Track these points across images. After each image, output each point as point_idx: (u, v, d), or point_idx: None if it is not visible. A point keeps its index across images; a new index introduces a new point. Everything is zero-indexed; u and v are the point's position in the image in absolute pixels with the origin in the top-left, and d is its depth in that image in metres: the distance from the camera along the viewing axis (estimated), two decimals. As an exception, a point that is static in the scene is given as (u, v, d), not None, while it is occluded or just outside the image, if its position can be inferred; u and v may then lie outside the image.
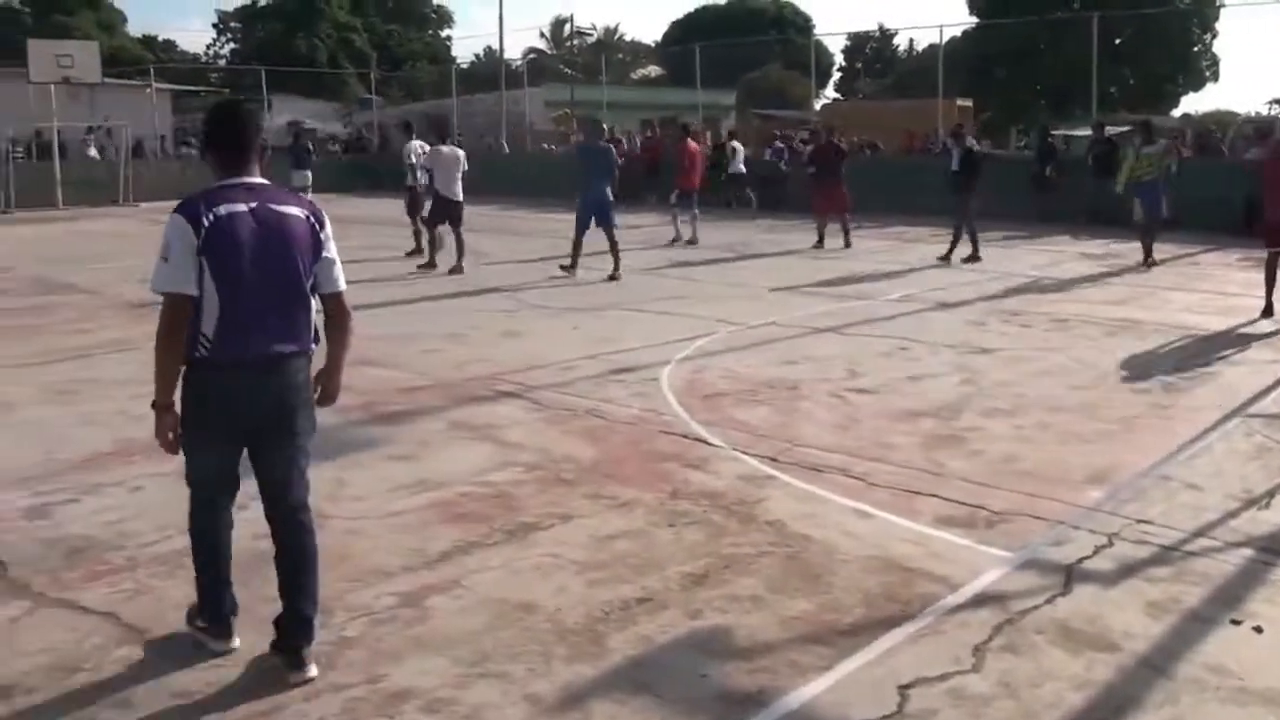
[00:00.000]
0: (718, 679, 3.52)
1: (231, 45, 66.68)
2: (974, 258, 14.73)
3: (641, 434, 6.42)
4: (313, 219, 3.58)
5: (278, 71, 40.58)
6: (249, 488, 3.70)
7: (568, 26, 70.23)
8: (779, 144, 25.73)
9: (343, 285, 3.70)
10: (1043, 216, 19.48)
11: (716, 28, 55.31)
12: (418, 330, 9.87)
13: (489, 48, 76.83)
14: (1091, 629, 3.83)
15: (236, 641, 3.73)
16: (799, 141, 25.72)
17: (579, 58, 63.20)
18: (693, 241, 17.36)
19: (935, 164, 18.89)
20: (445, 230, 14.43)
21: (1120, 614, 3.95)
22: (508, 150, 33.85)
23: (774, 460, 5.84)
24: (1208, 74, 46.00)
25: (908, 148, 26.76)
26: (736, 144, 23.14)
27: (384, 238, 17.32)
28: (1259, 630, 3.83)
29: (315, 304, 3.63)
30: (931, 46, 45.29)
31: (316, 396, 3.73)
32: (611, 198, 13.61)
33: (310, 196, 17.77)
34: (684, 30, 59.56)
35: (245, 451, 3.62)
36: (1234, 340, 9.25)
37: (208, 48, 68.57)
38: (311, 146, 26.38)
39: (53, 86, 26.39)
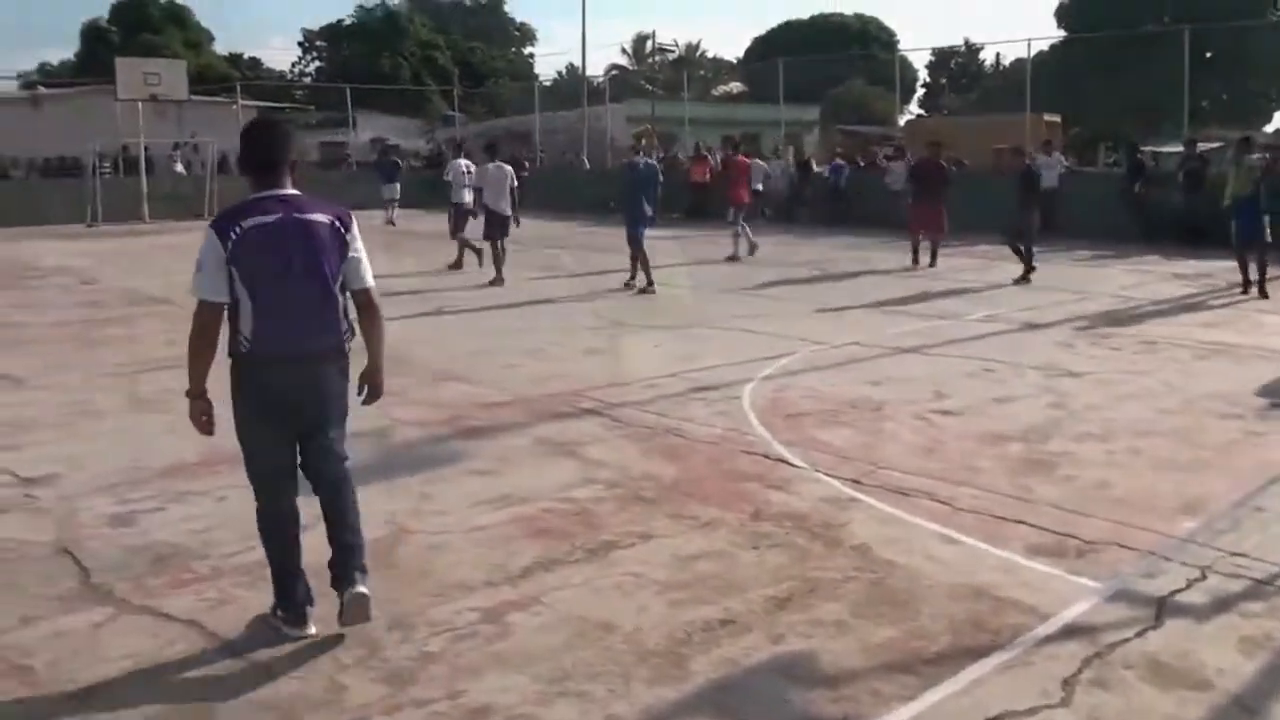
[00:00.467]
0: (801, 705, 3.49)
1: (317, 63, 68.06)
2: (1024, 279, 14.37)
3: (723, 453, 6.40)
4: (338, 223, 3.90)
5: (362, 89, 41.41)
6: (314, 507, 3.90)
7: (650, 43, 70.55)
8: (839, 160, 25.59)
9: (370, 281, 4.01)
10: (1133, 235, 19.06)
11: (800, 44, 55.23)
12: (497, 345, 9.92)
13: (571, 64, 77.48)
14: (1183, 664, 3.72)
15: (313, 629, 3.93)
16: (882, 157, 25.47)
17: (660, 74, 63.39)
18: (750, 253, 17.49)
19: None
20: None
21: (1212, 650, 3.83)
22: (588, 166, 34.04)
23: (858, 483, 5.78)
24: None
25: (1004, 167, 25.59)
26: (758, 160, 23.14)
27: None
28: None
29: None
30: (1018, 60, 44.57)
31: (363, 397, 4.06)
32: (650, 213, 13.93)
33: (397, 210, 18.29)
34: (767, 46, 59.47)
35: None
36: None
37: (293, 65, 70.09)
38: (399, 162, 26.87)
39: (140, 104, 27.08)
